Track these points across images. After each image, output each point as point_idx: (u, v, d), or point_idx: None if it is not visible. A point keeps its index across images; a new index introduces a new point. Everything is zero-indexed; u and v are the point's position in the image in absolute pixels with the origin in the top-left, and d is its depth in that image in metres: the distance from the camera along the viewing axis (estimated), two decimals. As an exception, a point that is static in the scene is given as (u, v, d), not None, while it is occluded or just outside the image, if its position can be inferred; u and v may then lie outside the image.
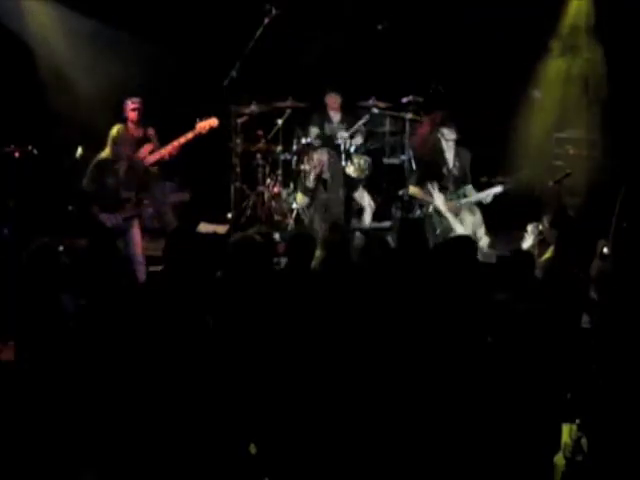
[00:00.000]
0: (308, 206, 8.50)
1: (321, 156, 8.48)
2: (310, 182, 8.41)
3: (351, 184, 8.94)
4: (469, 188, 8.10)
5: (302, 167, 8.78)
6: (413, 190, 8.16)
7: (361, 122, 9.86)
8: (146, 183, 7.88)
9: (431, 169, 8.07)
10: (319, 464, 4.41)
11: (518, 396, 4.45)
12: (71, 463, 4.43)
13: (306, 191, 8.41)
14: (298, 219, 8.76)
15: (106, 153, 7.62)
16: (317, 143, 8.64)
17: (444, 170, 8.08)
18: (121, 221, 7.56)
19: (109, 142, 7.64)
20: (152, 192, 7.91)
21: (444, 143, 8.22)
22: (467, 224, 7.74)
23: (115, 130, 7.67)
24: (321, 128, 9.88)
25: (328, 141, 9.05)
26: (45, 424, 4.42)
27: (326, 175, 8.42)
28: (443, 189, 8.04)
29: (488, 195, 8.08)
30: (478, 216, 8.05)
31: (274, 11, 8.81)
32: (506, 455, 4.37)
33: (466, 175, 8.23)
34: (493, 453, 4.36)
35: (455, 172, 8.11)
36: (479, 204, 8.14)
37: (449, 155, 8.13)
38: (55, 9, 9.59)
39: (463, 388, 4.46)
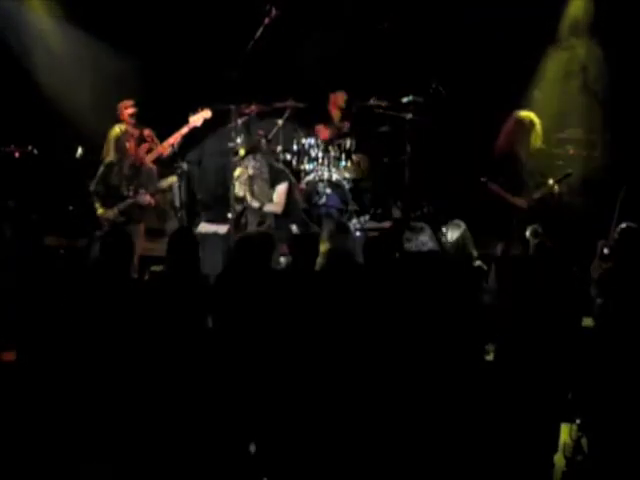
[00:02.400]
0: (242, 211, 8.60)
1: (248, 163, 8.54)
2: (239, 190, 8.48)
3: (277, 179, 8.90)
4: (548, 181, 8.01)
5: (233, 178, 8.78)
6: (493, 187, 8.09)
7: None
8: (145, 180, 7.92)
9: (509, 167, 8.03)
10: (318, 464, 4.42)
11: (518, 396, 4.45)
12: (72, 462, 4.44)
13: (237, 199, 8.49)
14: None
15: (111, 155, 7.74)
16: (242, 154, 8.64)
17: (518, 166, 8.04)
18: (118, 214, 7.66)
19: (111, 143, 7.73)
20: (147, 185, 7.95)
21: None
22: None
23: (117, 130, 7.76)
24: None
25: (254, 148, 8.99)
26: (46, 424, 4.43)
27: (255, 181, 8.47)
28: (519, 184, 8.01)
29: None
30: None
31: (274, 11, 8.80)
32: (506, 455, 4.37)
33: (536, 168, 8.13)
34: (492, 453, 4.36)
35: (528, 167, 8.08)
36: None
37: (520, 149, 8.08)
38: (55, 10, 9.60)
39: (463, 388, 4.46)
